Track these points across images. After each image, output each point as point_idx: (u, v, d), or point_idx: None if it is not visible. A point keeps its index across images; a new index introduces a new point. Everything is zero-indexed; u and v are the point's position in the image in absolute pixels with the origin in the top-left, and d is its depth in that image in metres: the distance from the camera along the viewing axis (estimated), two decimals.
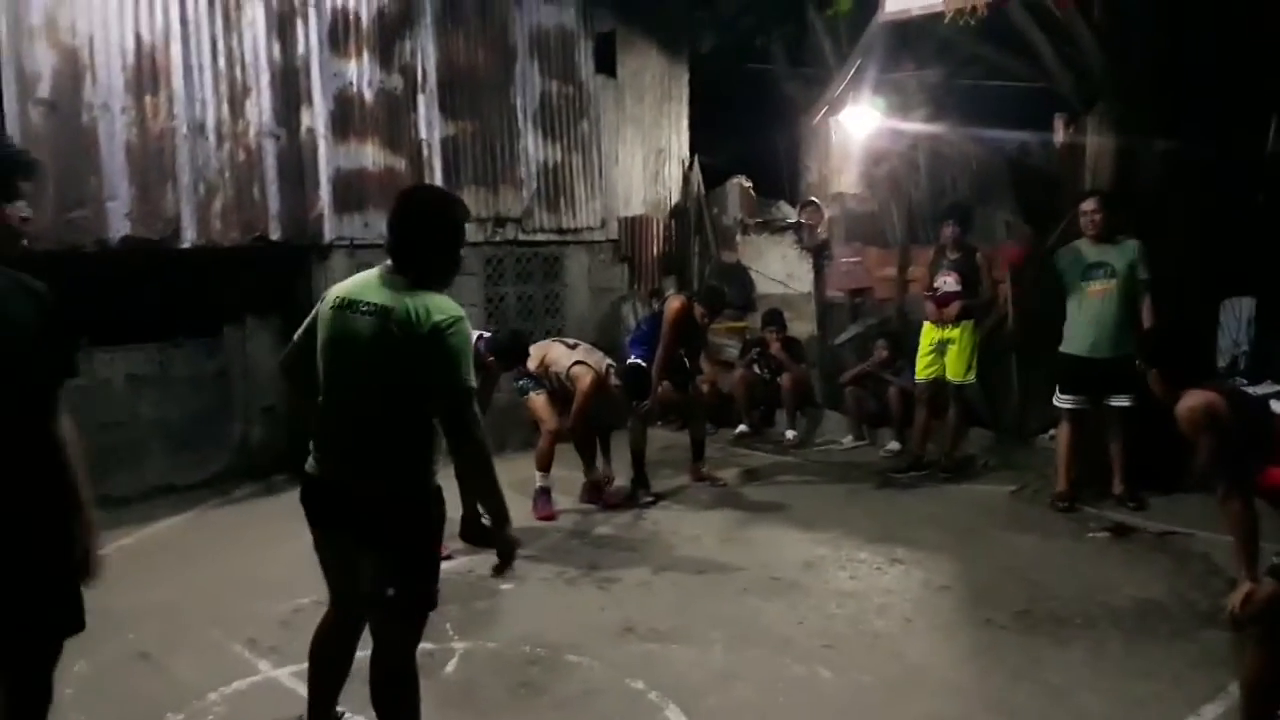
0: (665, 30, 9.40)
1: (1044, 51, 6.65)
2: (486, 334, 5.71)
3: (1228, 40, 6.20)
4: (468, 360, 2.79)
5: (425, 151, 7.74)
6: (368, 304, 2.81)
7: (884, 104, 8.46)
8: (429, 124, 7.75)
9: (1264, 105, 6.80)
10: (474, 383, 2.81)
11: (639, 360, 6.52)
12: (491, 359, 5.52)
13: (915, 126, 8.20)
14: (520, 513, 6.15)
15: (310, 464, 2.97)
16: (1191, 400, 3.11)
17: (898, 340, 7.85)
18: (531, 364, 6.23)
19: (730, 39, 9.60)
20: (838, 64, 8.54)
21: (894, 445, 7.63)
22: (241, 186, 6.85)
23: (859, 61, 8.19)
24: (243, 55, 6.80)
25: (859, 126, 8.59)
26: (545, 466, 6.19)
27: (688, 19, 9.55)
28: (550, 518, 6.12)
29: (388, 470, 2.83)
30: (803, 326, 8.93)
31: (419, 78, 7.69)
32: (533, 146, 8.42)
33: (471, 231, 7.97)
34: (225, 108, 6.74)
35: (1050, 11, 6.33)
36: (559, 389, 6.29)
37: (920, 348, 6.94)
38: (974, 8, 5.40)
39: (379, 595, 2.84)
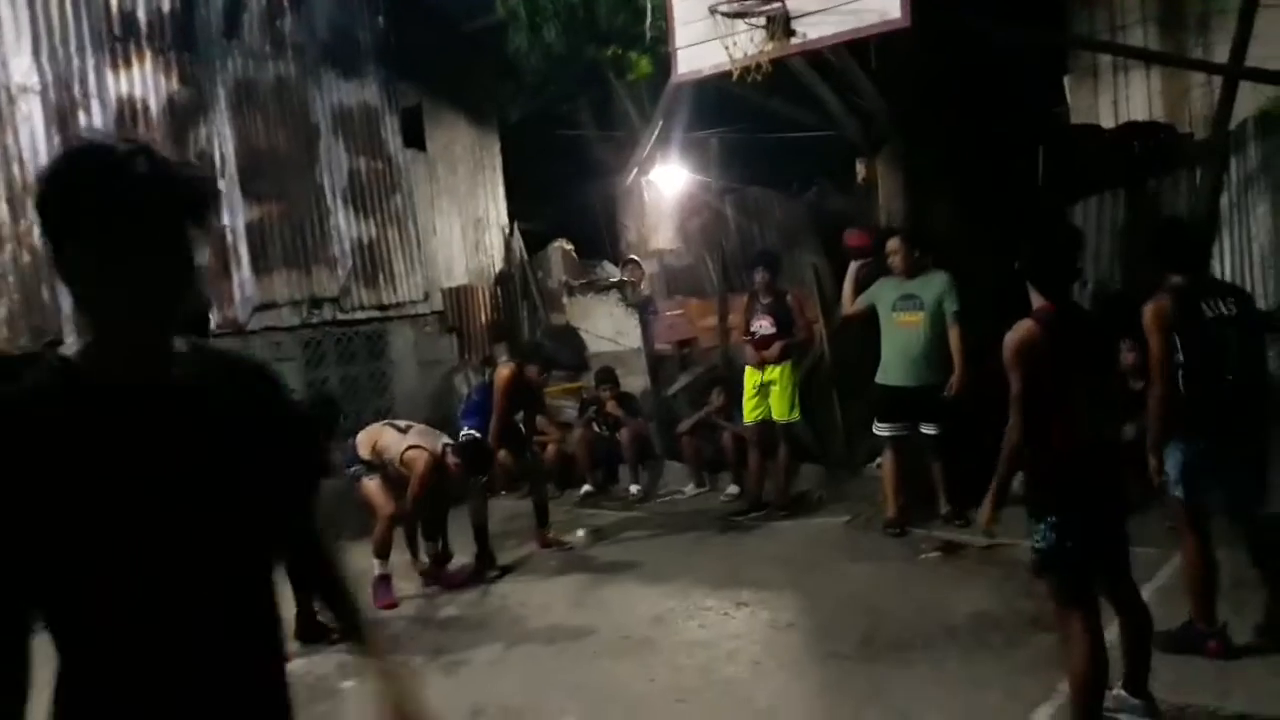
0: (471, 102, 9.47)
1: (829, 101, 7.03)
2: None
3: (994, 79, 6.73)
4: None
5: (229, 238, 7.48)
6: None
7: (691, 161, 8.76)
8: (231, 209, 7.51)
9: (1031, 140, 7.39)
10: None
11: (472, 431, 6.42)
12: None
13: (722, 182, 8.51)
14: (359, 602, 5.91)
15: None
16: (1014, 333, 3.19)
17: (729, 386, 8.04)
18: (363, 451, 6.04)
19: (538, 107, 9.77)
20: (643, 126, 8.80)
21: (733, 489, 7.76)
22: (28, 290, 6.43)
23: (662, 123, 8.45)
24: (20, 152, 6.42)
25: (669, 185, 8.85)
26: (383, 553, 5.97)
27: (493, 90, 9.65)
28: (392, 605, 5.90)
29: None
30: (636, 381, 9.03)
31: (217, 163, 7.45)
32: (344, 224, 8.26)
33: (286, 315, 7.84)
34: (4, 208, 6.34)
35: (831, 63, 6.71)
36: (394, 474, 6.10)
37: (745, 391, 7.12)
38: (758, 65, 5.66)
39: None
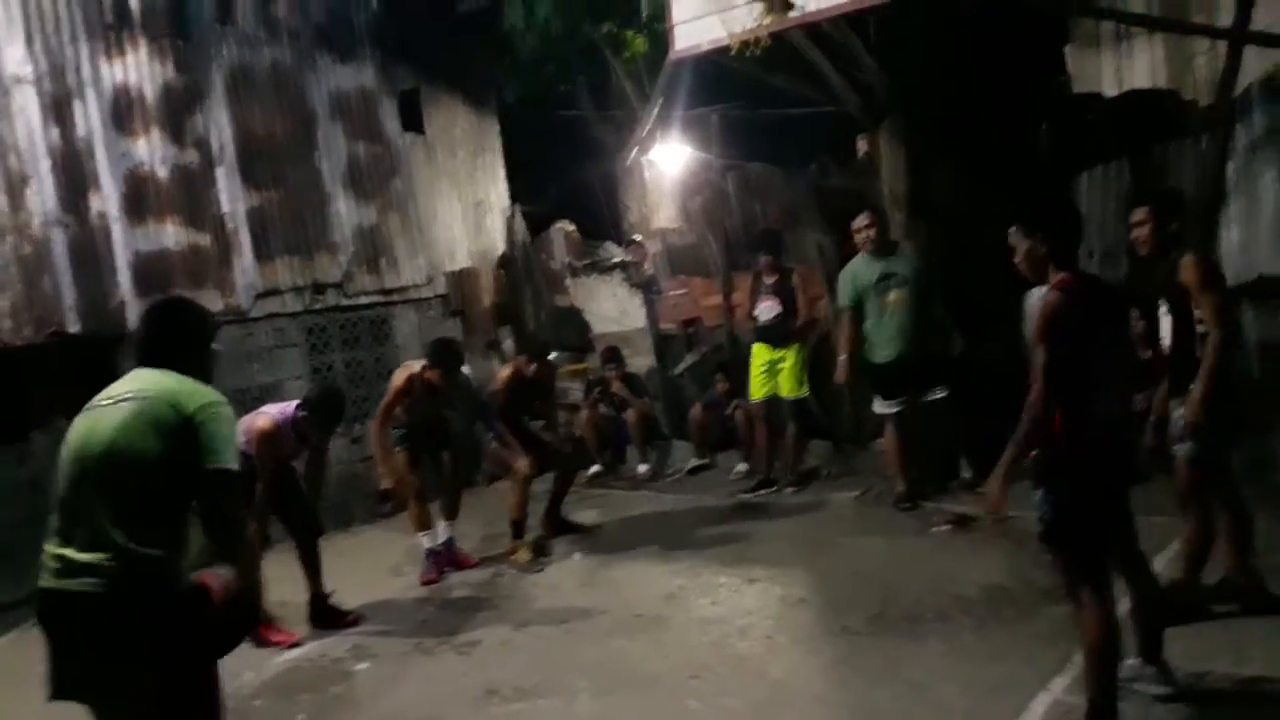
0: (469, 84, 9.39)
1: (829, 75, 6.97)
2: (294, 404, 5.41)
3: (995, 49, 6.67)
4: (230, 446, 2.70)
5: (230, 225, 7.44)
6: (122, 394, 2.72)
7: (692, 139, 8.70)
8: (231, 197, 7.45)
9: (1032, 111, 7.33)
10: (236, 466, 2.71)
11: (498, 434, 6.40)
12: (303, 423, 5.27)
13: (723, 160, 8.46)
14: (373, 586, 5.94)
15: (46, 579, 2.71)
16: (1040, 305, 3.15)
17: (732, 368, 8.02)
18: None
19: (536, 88, 9.69)
20: (642, 104, 8.73)
21: (742, 467, 7.75)
22: (31, 281, 6.40)
23: (661, 101, 8.39)
24: (16, 143, 6.37)
25: (670, 164, 8.80)
26: (425, 525, 6.05)
27: (490, 71, 9.57)
28: (435, 580, 5.97)
29: (138, 567, 2.58)
30: (642, 361, 9.02)
31: (215, 150, 7.40)
32: (345, 209, 8.21)
33: (289, 301, 7.81)
34: (2, 199, 6.30)
35: (831, 37, 6.65)
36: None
37: (752, 369, 7.11)
38: (757, 40, 5.60)
39: None
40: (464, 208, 9.42)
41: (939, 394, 6.20)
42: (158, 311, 3.00)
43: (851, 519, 6.32)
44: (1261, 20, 6.16)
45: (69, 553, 2.64)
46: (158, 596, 2.59)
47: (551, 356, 7.06)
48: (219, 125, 7.44)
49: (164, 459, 2.61)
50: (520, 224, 9.71)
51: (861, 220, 6.24)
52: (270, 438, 5.07)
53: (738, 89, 8.57)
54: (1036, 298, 3.19)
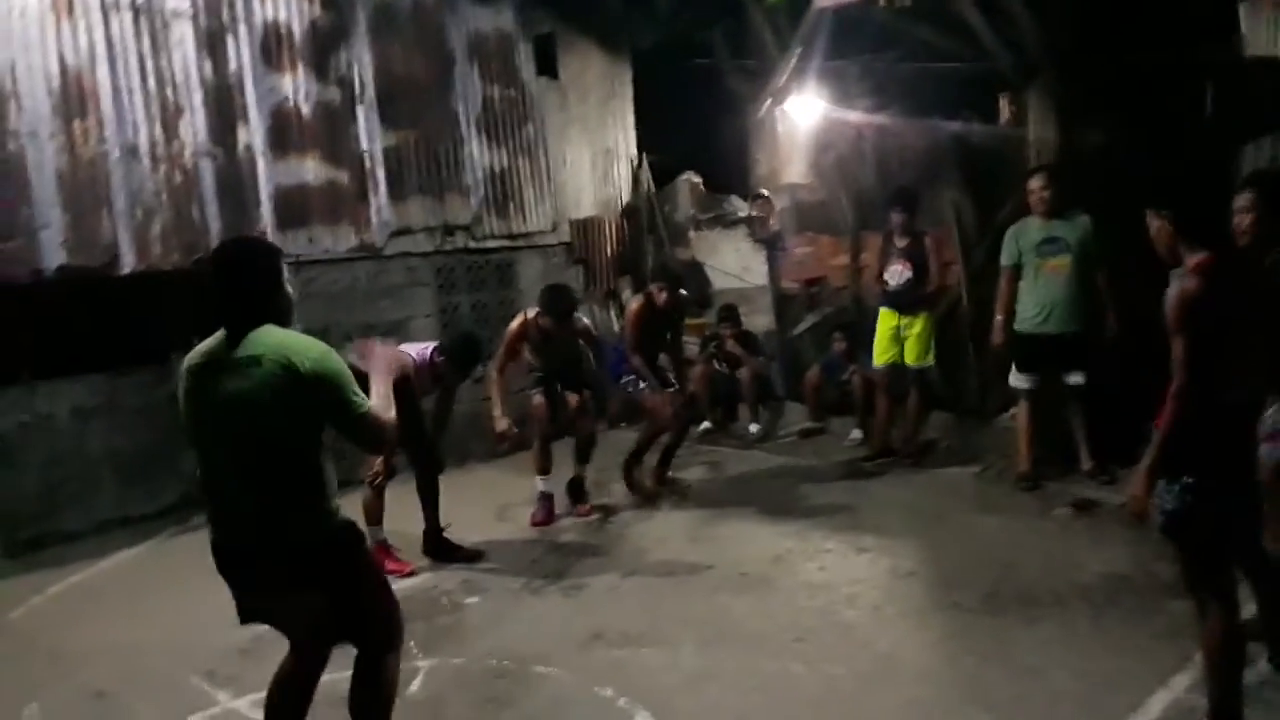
0: (604, 29, 9.34)
1: (981, 31, 6.66)
2: (432, 346, 5.61)
3: (1159, 4, 6.25)
4: (350, 383, 2.78)
5: (368, 163, 7.62)
6: (243, 356, 2.75)
7: (828, 92, 8.46)
8: (370, 135, 7.63)
9: (1198, 74, 6.85)
10: (365, 404, 2.80)
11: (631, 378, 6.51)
12: (440, 366, 5.44)
13: (859, 114, 8.21)
14: (486, 524, 6.09)
15: (214, 535, 2.92)
16: (1175, 291, 2.93)
17: (854, 330, 7.85)
18: None
19: (670, 35, 9.54)
20: (779, 54, 8.51)
21: (857, 434, 7.61)
22: (180, 208, 6.70)
23: (800, 51, 8.17)
24: (173, 75, 6.64)
25: (804, 116, 8.58)
26: (545, 469, 6.20)
27: (626, 17, 9.48)
28: (546, 523, 6.10)
29: (291, 523, 2.81)
30: (760, 319, 8.90)
31: (357, 89, 7.56)
32: (478, 152, 8.32)
33: (421, 241, 7.99)
34: (158, 129, 6.59)
35: None
36: None
37: (878, 334, 6.92)
38: None
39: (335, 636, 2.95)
40: (592, 155, 9.42)
41: (1076, 379, 5.92)
42: (237, 256, 2.94)
43: (969, 495, 6.14)
44: None
45: (227, 513, 2.88)
46: (311, 546, 2.83)
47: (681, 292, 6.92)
48: (361, 63, 7.60)
49: (297, 426, 2.77)
50: (646, 174, 9.66)
51: (1037, 181, 5.93)
52: (408, 377, 5.18)
53: (880, 40, 8.26)
54: (1176, 281, 2.97)
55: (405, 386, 5.18)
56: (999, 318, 6.10)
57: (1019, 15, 6.43)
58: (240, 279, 2.84)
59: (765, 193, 8.98)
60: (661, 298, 6.38)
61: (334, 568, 2.85)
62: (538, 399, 6.13)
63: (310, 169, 7.32)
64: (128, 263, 6.47)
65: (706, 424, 8.32)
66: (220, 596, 2.94)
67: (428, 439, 5.56)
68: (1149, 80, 6.22)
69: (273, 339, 2.76)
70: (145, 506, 6.71)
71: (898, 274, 6.73)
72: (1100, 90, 6.18)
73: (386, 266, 7.77)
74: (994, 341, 6.20)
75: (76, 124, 6.22)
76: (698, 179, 9.78)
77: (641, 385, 6.41)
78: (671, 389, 6.48)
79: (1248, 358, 2.98)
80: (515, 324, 6.09)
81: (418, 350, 5.51)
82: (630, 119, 9.74)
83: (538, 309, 6.02)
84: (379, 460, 5.19)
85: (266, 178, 7.09)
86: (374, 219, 7.66)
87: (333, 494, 2.87)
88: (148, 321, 6.70)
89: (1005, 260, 6.05)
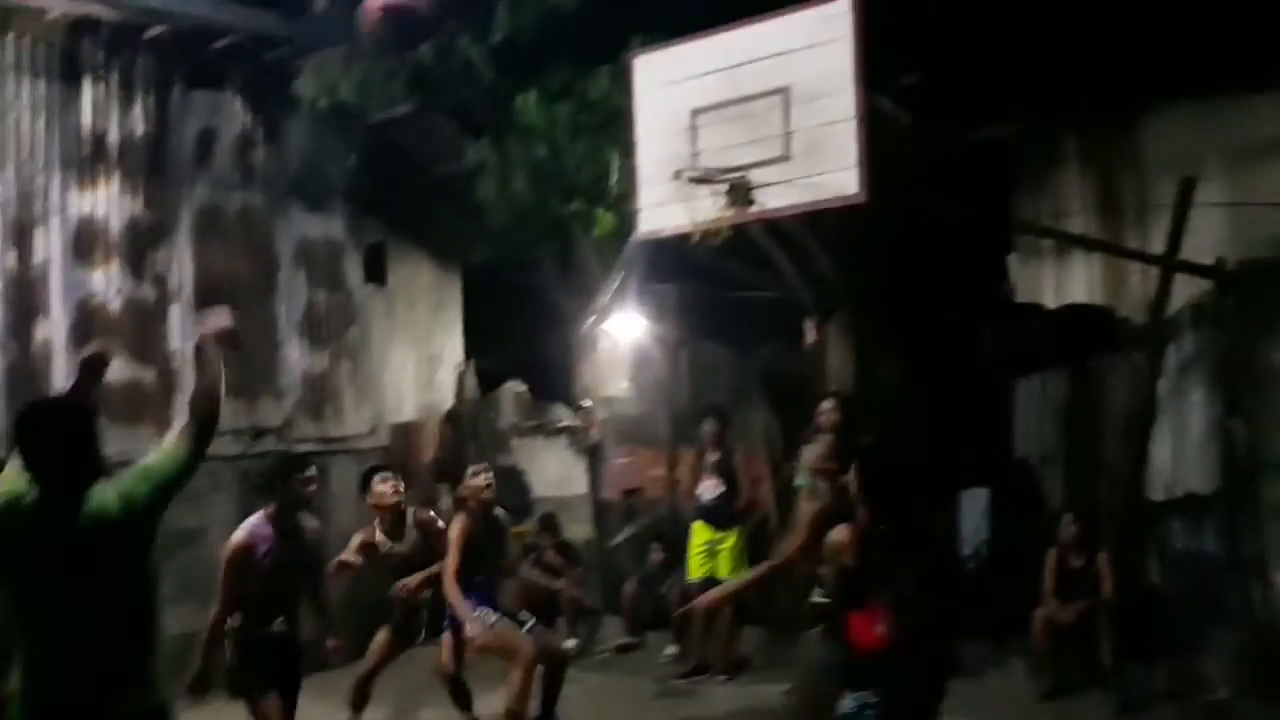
0: (435, 242, 9.59)
1: (784, 266, 7.22)
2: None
3: (944, 255, 6.98)
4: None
5: (177, 362, 7.37)
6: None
7: (648, 312, 8.88)
8: (183, 334, 7.42)
9: (977, 315, 7.62)
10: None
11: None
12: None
13: (676, 334, 8.63)
14: None
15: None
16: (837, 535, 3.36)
17: (671, 542, 7.92)
18: None
19: (502, 252, 9.89)
20: (603, 275, 8.93)
21: (672, 649, 7.54)
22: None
23: (622, 274, 8.60)
24: None
25: (626, 334, 8.94)
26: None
27: (457, 233, 9.79)
28: None
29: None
30: (579, 529, 8.89)
31: (173, 287, 7.42)
32: (296, 354, 8.20)
33: (226, 443, 7.65)
34: None
35: (788, 232, 6.92)
36: None
37: (691, 547, 7.03)
38: (718, 230, 5.82)
39: None
40: (418, 360, 9.45)
41: None
42: (34, 421, 2.82)
43: (777, 713, 6.12)
44: (1191, 247, 6.53)
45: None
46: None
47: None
48: (181, 262, 7.49)
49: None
50: (472, 380, 9.74)
51: (827, 404, 6.34)
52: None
53: (696, 269, 8.81)
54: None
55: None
56: (799, 541, 6.31)
57: (818, 255, 7.02)
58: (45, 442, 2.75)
59: (588, 403, 9.18)
60: (484, 493, 5.73)
61: None
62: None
63: (113, 367, 7.00)
64: None
65: None
66: None
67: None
68: (934, 321, 6.86)
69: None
70: None
71: (710, 489, 6.92)
72: (891, 327, 6.75)
73: None
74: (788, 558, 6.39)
75: None
76: (523, 387, 9.93)
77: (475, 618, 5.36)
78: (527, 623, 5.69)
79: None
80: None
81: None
82: (458, 327, 9.88)
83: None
84: None
85: (65, 374, 6.74)
86: (177, 420, 7.32)
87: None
88: None
89: (799, 481, 6.36)
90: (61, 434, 2.74)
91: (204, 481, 7.40)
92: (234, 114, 7.94)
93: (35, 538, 2.66)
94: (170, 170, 7.49)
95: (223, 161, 7.86)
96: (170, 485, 2.83)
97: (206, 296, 7.58)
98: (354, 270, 8.78)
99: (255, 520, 4.81)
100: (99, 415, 3.02)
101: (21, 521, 2.66)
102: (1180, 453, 6.35)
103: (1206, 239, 6.84)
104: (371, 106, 8.21)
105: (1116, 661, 5.67)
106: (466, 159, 8.25)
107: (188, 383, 7.29)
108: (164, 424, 7.24)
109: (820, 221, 6.95)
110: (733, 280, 8.35)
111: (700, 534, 7.00)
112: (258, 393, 7.90)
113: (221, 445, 7.58)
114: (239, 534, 4.76)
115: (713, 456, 6.97)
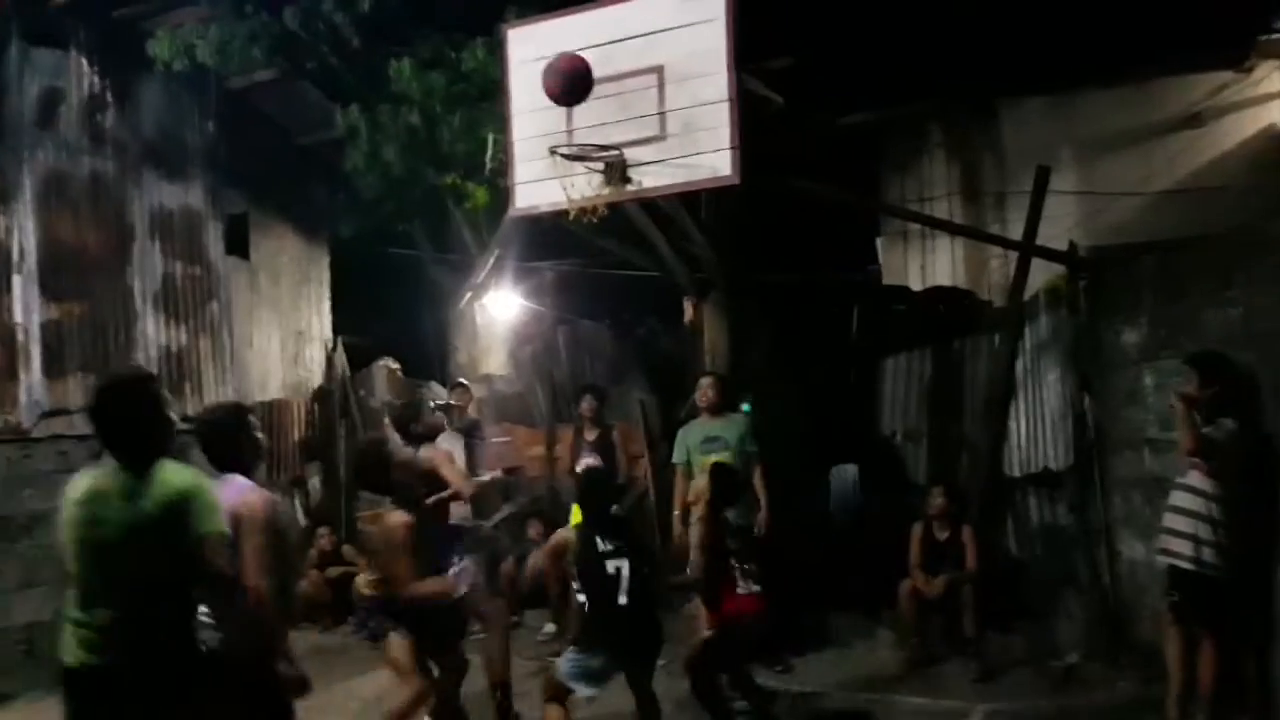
0: (302, 214, 9.27)
1: (661, 248, 7.25)
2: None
3: (814, 236, 7.14)
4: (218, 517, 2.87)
5: (21, 336, 6.92)
6: (108, 494, 2.84)
7: (526, 290, 8.81)
8: (26, 307, 6.98)
9: (846, 294, 7.83)
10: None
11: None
12: None
13: (554, 312, 8.59)
14: None
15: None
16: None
17: (550, 521, 7.89)
18: None
19: (372, 224, 9.63)
20: (479, 251, 8.81)
21: (550, 627, 7.53)
22: None
23: (498, 251, 8.49)
24: None
25: (503, 311, 8.85)
26: None
27: (325, 204, 9.48)
28: None
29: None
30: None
31: (14, 257, 6.95)
32: (153, 329, 7.81)
33: (79, 423, 7.23)
34: None
35: (664, 211, 6.95)
36: None
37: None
38: (595, 208, 5.79)
39: None
40: (283, 336, 9.13)
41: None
42: (107, 394, 2.99)
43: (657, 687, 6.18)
44: (1046, 234, 6.85)
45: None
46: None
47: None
48: (23, 231, 7.02)
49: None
50: (341, 357, 9.47)
51: (704, 381, 6.37)
52: None
53: (573, 247, 8.78)
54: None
55: None
56: (676, 512, 6.39)
57: (693, 235, 7.07)
58: (110, 414, 2.92)
59: (464, 381, 9.04)
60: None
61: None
62: None
63: None
64: None
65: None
66: None
67: None
68: (806, 300, 7.01)
69: (144, 478, 2.84)
70: None
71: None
72: (764, 305, 6.86)
73: (33, 450, 6.96)
74: (675, 534, 6.46)
75: None
76: (395, 365, 9.71)
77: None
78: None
79: None
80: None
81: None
82: (326, 303, 9.60)
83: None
84: None
85: None
86: (23, 398, 6.92)
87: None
88: None
89: (676, 458, 6.42)
90: (126, 407, 2.90)
91: (53, 462, 7.03)
92: (81, 74, 7.47)
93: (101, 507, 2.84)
94: (9, 133, 6.99)
95: (69, 125, 7.39)
96: (186, 535, 2.83)
97: (53, 267, 7.15)
98: (215, 242, 8.40)
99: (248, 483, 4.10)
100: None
101: (98, 494, 2.88)
102: (1036, 430, 6.67)
103: (1060, 226, 7.21)
104: (232, 70, 7.86)
105: (979, 631, 5.91)
106: (335, 127, 7.98)
107: (33, 360, 6.92)
108: (6, 402, 6.83)
109: (695, 201, 7.00)
110: (610, 258, 8.36)
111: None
112: (113, 369, 7.48)
113: (74, 424, 7.19)
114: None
115: (591, 434, 6.96)
